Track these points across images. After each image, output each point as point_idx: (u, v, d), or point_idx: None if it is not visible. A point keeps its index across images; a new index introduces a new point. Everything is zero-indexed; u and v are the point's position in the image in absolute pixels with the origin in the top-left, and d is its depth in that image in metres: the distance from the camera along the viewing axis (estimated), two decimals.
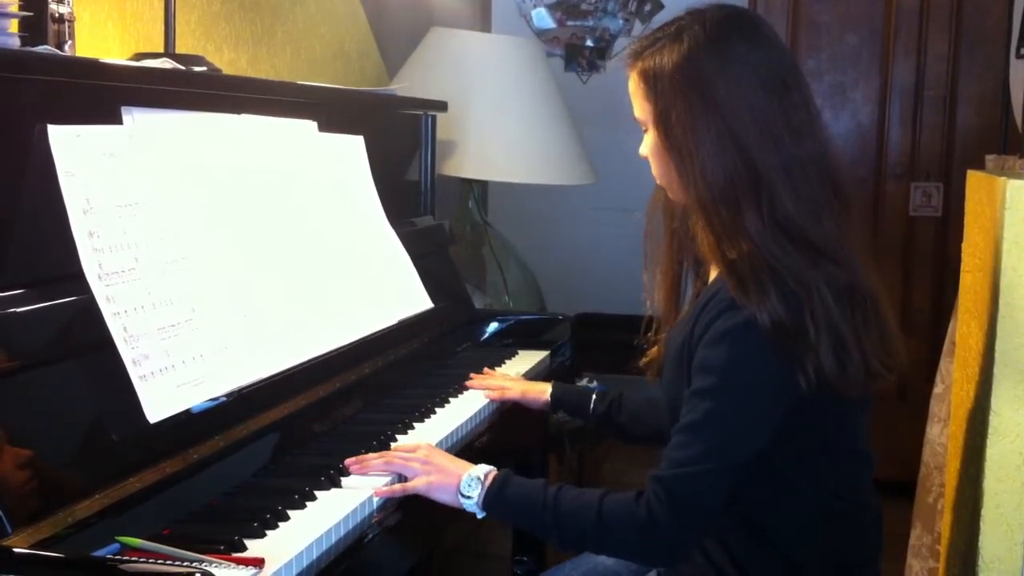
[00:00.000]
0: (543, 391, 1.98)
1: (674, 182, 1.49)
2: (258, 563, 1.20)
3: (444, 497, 1.49)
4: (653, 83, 1.45)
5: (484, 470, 1.49)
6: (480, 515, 1.49)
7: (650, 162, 1.53)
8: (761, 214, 1.40)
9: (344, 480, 1.50)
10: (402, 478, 1.52)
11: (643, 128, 1.52)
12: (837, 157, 1.51)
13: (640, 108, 1.50)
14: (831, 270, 1.40)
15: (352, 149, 2.08)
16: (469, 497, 1.47)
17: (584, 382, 2.76)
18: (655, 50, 1.46)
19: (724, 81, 1.42)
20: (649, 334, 1.67)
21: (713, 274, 1.52)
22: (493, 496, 1.47)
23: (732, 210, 1.41)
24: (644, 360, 1.69)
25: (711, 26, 1.45)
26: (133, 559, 1.16)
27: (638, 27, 4.09)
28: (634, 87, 1.50)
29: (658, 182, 1.55)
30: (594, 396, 1.91)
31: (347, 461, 1.54)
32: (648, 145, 1.51)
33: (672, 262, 1.62)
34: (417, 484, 1.50)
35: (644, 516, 1.37)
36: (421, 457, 1.54)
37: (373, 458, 1.54)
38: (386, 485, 1.49)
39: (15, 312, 1.22)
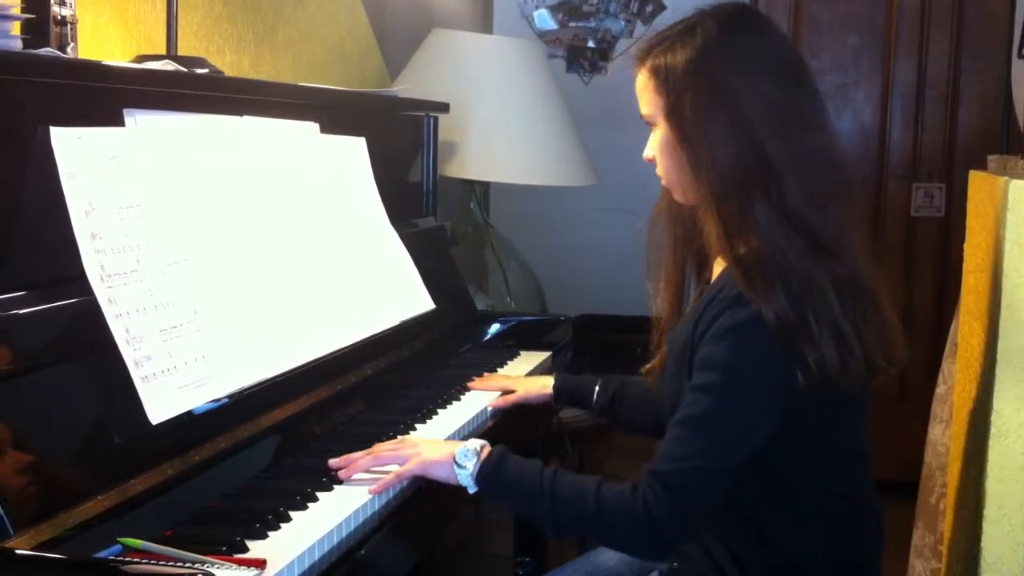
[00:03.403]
0: (546, 385, 1.99)
1: (685, 177, 1.49)
2: (260, 564, 1.20)
3: (440, 472, 1.49)
4: (664, 77, 1.47)
5: (479, 443, 1.49)
6: (472, 488, 1.47)
7: (657, 162, 1.53)
8: (770, 203, 1.41)
9: (346, 481, 1.50)
10: None
11: (651, 126, 1.53)
12: (843, 148, 1.54)
13: (649, 104, 1.50)
14: (833, 263, 1.40)
15: (354, 151, 2.08)
16: (464, 467, 1.47)
17: None
18: (666, 47, 1.48)
19: (736, 72, 1.44)
20: (652, 344, 1.67)
21: (716, 271, 1.53)
22: (490, 469, 1.46)
23: (742, 199, 1.42)
24: (646, 368, 1.70)
25: (722, 20, 1.48)
26: (135, 560, 1.16)
27: (640, 28, 4.09)
28: (643, 84, 1.51)
29: (664, 182, 1.55)
30: (597, 387, 1.92)
31: (331, 462, 1.52)
32: (656, 143, 1.52)
33: (676, 269, 1.63)
34: (411, 466, 1.49)
35: (641, 511, 1.37)
36: (408, 444, 1.55)
37: (359, 456, 1.53)
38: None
39: (18, 314, 1.23)
